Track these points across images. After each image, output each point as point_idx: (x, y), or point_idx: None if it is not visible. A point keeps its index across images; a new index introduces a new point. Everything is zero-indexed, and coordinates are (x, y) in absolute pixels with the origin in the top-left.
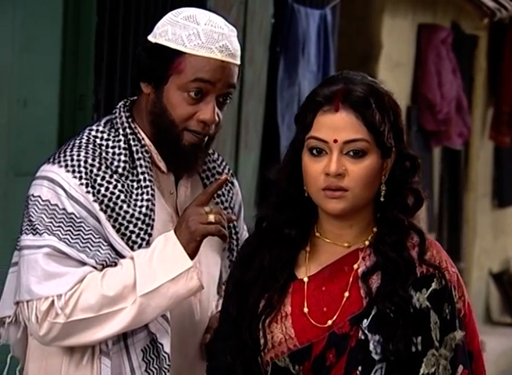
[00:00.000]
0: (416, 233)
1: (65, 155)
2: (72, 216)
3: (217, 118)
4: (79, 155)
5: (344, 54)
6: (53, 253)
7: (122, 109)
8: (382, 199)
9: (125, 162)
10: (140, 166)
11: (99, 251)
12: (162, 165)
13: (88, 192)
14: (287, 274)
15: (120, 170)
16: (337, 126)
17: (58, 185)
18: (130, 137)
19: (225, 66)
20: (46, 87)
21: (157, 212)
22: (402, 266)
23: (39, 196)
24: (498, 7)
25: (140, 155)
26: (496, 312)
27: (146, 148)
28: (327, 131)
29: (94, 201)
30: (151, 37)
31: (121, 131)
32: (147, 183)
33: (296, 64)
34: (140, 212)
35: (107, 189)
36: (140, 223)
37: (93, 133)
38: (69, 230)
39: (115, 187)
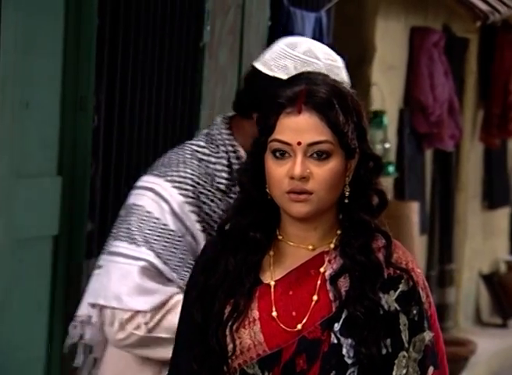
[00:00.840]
0: (382, 235)
1: (171, 170)
2: (173, 233)
3: None
4: (185, 172)
5: (339, 56)
6: (149, 268)
7: (221, 126)
8: (346, 201)
9: (226, 179)
10: None
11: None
12: None
13: (193, 212)
14: (253, 278)
15: (222, 187)
16: (301, 128)
17: (164, 200)
18: (231, 154)
19: None
20: (47, 89)
21: None
22: (370, 269)
23: (142, 206)
24: (491, 10)
25: None
26: (486, 313)
27: None
28: (290, 134)
29: (197, 221)
30: (264, 69)
31: (222, 148)
32: None
33: None
34: None
35: (210, 208)
36: None
37: (194, 148)
38: (168, 248)
39: (218, 206)
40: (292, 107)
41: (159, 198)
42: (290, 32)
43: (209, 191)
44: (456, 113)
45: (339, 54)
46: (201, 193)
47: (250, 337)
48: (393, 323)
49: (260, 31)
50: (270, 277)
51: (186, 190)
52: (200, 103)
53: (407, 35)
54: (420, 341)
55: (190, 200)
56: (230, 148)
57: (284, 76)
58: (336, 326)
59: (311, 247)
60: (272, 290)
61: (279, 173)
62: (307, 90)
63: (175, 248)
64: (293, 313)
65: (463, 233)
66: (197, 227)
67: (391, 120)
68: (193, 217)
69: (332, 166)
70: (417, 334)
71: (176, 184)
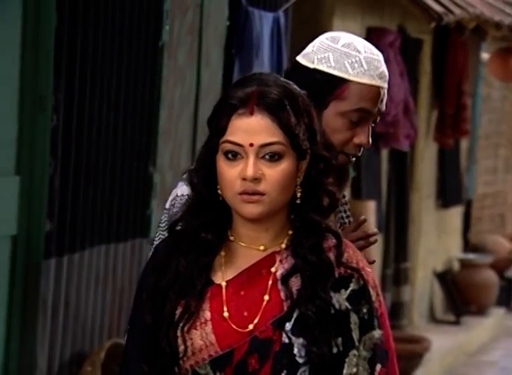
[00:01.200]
0: (332, 235)
1: None
2: None
3: (370, 140)
4: None
5: (296, 56)
6: None
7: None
8: (298, 201)
9: None
10: None
11: None
12: None
13: None
14: (204, 279)
15: None
16: (253, 129)
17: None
18: None
19: (382, 93)
20: (6, 89)
21: None
22: (321, 268)
23: (187, 195)
24: (445, 11)
25: None
26: (440, 310)
27: None
28: (242, 135)
29: None
30: (305, 62)
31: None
32: None
33: (250, 66)
34: None
35: None
36: None
37: None
38: None
39: None
40: (244, 108)
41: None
42: (249, 32)
43: None
44: (412, 113)
45: (297, 54)
46: None
47: (201, 338)
48: (344, 321)
49: (218, 31)
50: (221, 278)
51: None
52: (159, 103)
53: (364, 35)
54: (369, 339)
55: None
56: None
57: (325, 69)
58: (288, 326)
59: (262, 247)
60: (224, 290)
61: (231, 174)
62: (258, 91)
63: None
64: (245, 313)
65: (417, 232)
66: None
67: None
68: None
69: (284, 168)
70: (367, 333)
71: None
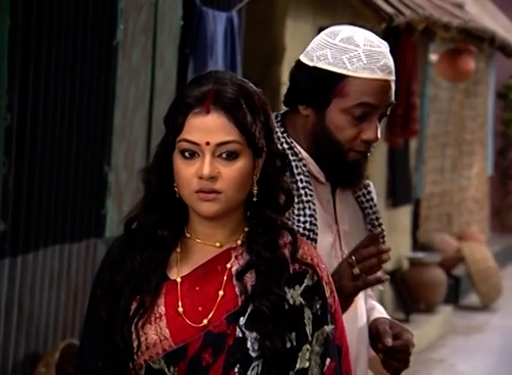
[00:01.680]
0: (288, 232)
1: None
2: None
3: (379, 135)
4: None
5: (250, 55)
6: None
7: (275, 125)
8: (254, 199)
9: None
10: (301, 180)
11: None
12: (321, 176)
13: None
14: (159, 275)
15: None
16: (209, 128)
17: None
18: (288, 152)
19: (386, 85)
20: None
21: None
22: (276, 264)
23: None
24: (396, 12)
25: (299, 169)
26: (390, 308)
27: (303, 161)
28: (199, 134)
29: None
30: (306, 60)
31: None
32: (309, 197)
33: (204, 65)
34: (304, 228)
35: None
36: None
37: None
38: None
39: None
40: (200, 107)
41: None
42: (203, 31)
43: None
44: None
45: (251, 54)
46: None
47: (156, 333)
48: (298, 317)
49: (172, 31)
50: (177, 274)
51: None
52: (113, 102)
53: (316, 35)
54: (322, 334)
55: None
56: (286, 146)
57: (324, 66)
58: (242, 320)
59: (218, 244)
60: (179, 286)
61: (187, 172)
62: (214, 90)
63: None
64: (200, 308)
65: None
66: None
67: None
68: None
69: (240, 166)
70: (320, 328)
71: None
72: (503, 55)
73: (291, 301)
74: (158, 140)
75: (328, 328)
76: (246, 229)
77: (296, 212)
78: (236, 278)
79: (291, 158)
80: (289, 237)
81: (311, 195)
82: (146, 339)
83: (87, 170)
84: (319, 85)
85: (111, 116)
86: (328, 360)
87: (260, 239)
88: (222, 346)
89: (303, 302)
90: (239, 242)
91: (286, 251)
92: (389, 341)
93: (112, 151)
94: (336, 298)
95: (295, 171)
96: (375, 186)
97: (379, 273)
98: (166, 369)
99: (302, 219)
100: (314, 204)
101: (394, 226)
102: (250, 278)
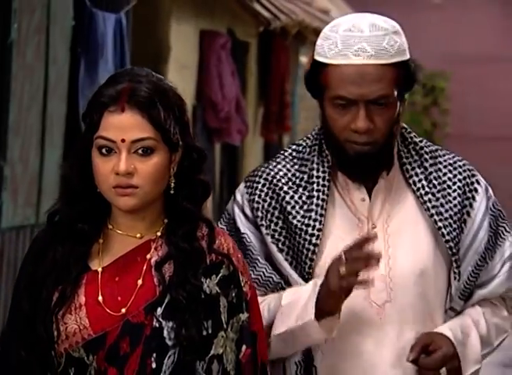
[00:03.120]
0: (204, 223)
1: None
2: (245, 236)
3: (371, 125)
4: (265, 167)
5: (138, 55)
6: None
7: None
8: (172, 192)
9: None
10: (317, 183)
11: (263, 273)
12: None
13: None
14: (81, 266)
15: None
16: (124, 126)
17: (235, 200)
18: (316, 153)
19: (365, 70)
20: None
21: (333, 221)
22: (193, 255)
23: (227, 209)
24: (273, 17)
25: (319, 172)
26: None
27: (328, 160)
28: (114, 131)
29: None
30: (315, 55)
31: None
32: (320, 201)
33: (96, 64)
34: (306, 232)
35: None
36: (307, 244)
37: (294, 146)
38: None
39: (292, 197)
40: (115, 106)
41: (232, 200)
42: (93, 32)
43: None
44: (243, 110)
45: (139, 53)
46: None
47: (75, 322)
48: (214, 305)
49: (64, 31)
50: (98, 264)
51: (253, 182)
52: (9, 99)
53: (198, 37)
54: (237, 322)
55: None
56: (316, 148)
57: (316, 57)
58: (159, 311)
59: (138, 235)
60: (100, 276)
61: (105, 168)
62: (129, 88)
63: (246, 249)
64: (119, 298)
65: None
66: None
67: None
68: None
69: (156, 161)
70: (235, 316)
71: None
72: None
73: (207, 291)
74: (52, 136)
75: (243, 316)
76: (165, 221)
77: (301, 212)
78: (154, 269)
79: (316, 160)
80: (207, 229)
81: (323, 200)
82: (66, 328)
83: None
84: (311, 76)
85: (6, 111)
86: (244, 347)
87: (178, 231)
88: (139, 336)
89: (219, 291)
90: (158, 234)
91: (204, 243)
92: (410, 356)
93: (7, 146)
94: (252, 285)
95: (314, 173)
96: None
97: (370, 276)
98: (86, 358)
99: (306, 221)
100: (325, 209)
101: None
102: (168, 269)
